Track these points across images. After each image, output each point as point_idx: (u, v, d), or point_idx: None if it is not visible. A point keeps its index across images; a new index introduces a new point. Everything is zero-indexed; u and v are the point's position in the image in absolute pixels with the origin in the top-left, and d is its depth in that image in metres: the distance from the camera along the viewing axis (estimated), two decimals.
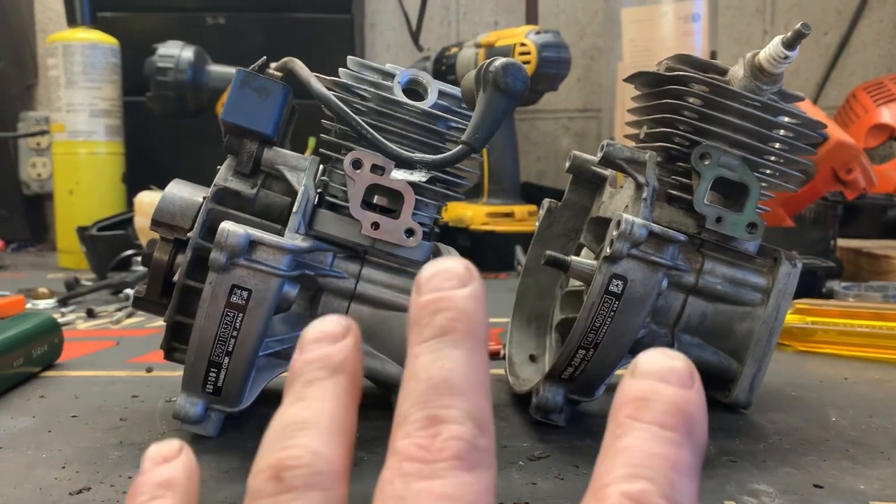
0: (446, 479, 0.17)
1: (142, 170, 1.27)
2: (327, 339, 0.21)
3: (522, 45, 1.13)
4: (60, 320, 0.71)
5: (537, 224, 0.57)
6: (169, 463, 0.22)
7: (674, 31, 1.14)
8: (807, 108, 0.97)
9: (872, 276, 0.94)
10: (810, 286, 0.79)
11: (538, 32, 1.14)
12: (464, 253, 1.30)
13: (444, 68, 1.27)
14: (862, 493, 0.35)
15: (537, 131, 1.67)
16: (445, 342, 0.19)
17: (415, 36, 1.54)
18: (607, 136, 1.32)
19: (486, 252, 1.17)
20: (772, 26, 1.59)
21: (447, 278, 0.20)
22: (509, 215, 1.19)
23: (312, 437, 0.19)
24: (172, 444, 0.22)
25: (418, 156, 0.42)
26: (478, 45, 1.21)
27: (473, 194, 1.27)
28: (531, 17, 1.42)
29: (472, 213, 1.20)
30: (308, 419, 0.19)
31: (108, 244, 1.03)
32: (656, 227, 0.40)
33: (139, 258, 0.57)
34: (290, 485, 0.18)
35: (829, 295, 0.81)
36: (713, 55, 1.23)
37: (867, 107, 1.32)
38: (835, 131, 0.94)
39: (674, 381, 0.18)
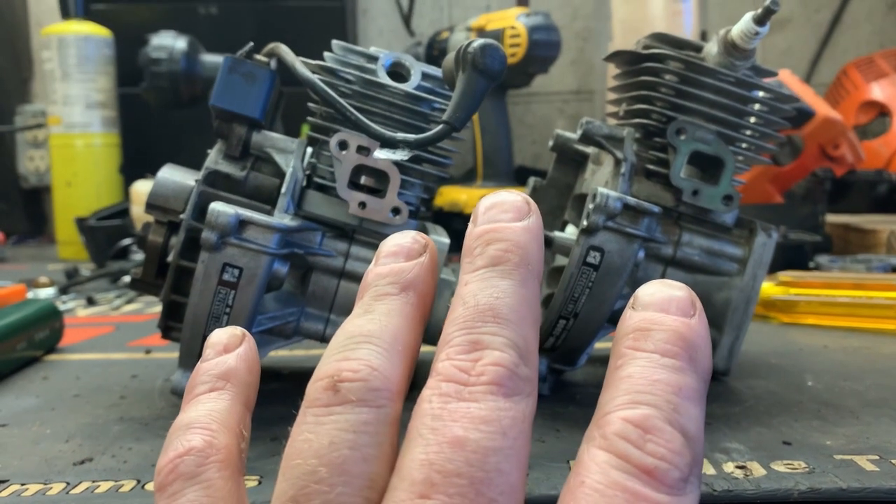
0: (482, 403, 0.17)
1: (138, 160, 1.28)
2: (403, 253, 0.21)
3: (512, 27, 1.14)
4: (61, 308, 0.73)
5: None
6: (230, 353, 0.22)
7: (663, 11, 1.15)
8: (794, 84, 0.98)
9: (861, 249, 0.95)
10: (797, 260, 0.81)
11: (528, 15, 1.15)
12: (459, 236, 1.32)
13: (436, 53, 1.28)
14: (827, 447, 0.36)
15: (532, 115, 1.68)
16: (496, 272, 0.19)
17: (406, 21, 1.55)
18: (600, 118, 1.33)
19: None
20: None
21: (505, 210, 0.20)
22: None
23: (373, 352, 0.19)
24: (235, 332, 0.22)
25: (401, 135, 0.44)
26: (469, 29, 1.22)
27: (468, 178, 1.29)
28: None
29: (466, 197, 1.21)
30: (372, 333, 0.19)
31: (107, 234, 1.04)
32: (631, 200, 0.41)
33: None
34: (345, 397, 0.18)
35: (817, 269, 0.83)
36: (703, 35, 1.23)
37: (857, 83, 1.32)
38: (821, 107, 0.95)
39: (674, 310, 0.18)
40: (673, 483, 0.16)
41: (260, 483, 0.34)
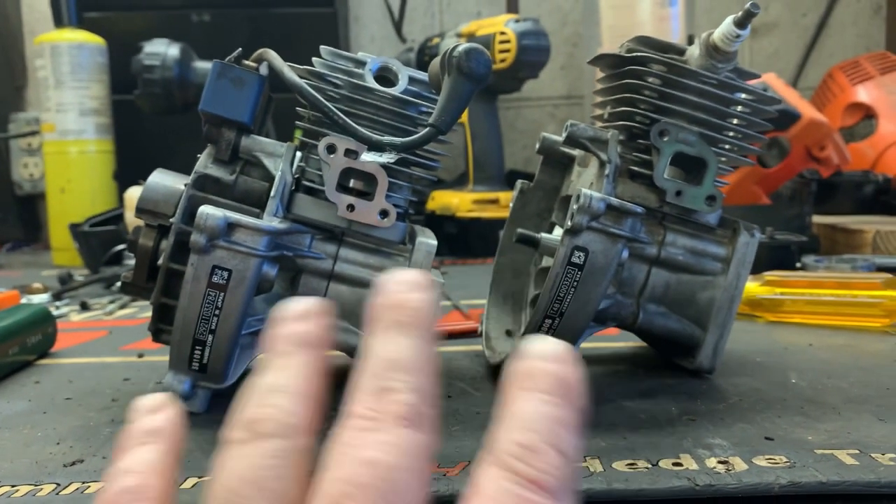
0: (389, 431, 0.20)
1: (132, 166, 1.28)
2: (294, 317, 0.25)
3: (502, 33, 1.15)
4: (55, 313, 0.73)
5: (511, 205, 0.59)
6: (155, 414, 0.25)
7: (651, 17, 1.16)
8: (780, 88, 0.99)
9: (847, 250, 0.96)
10: (784, 260, 0.82)
11: (518, 20, 1.16)
12: (451, 239, 1.31)
13: (427, 59, 1.29)
14: (809, 443, 0.37)
15: (523, 119, 1.69)
16: (397, 332, 0.22)
17: (398, 27, 1.56)
18: (590, 123, 1.34)
19: (473, 238, 1.19)
20: None
21: (404, 284, 0.23)
22: (494, 202, 1.21)
23: (280, 398, 0.22)
24: (157, 398, 0.26)
25: (387, 138, 0.44)
26: (459, 35, 1.23)
27: (460, 182, 1.29)
28: (512, 5, 1.44)
29: (458, 201, 1.22)
30: (277, 384, 0.23)
31: (100, 240, 1.05)
32: (614, 201, 0.42)
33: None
34: (260, 433, 0.21)
35: (804, 269, 0.84)
36: (690, 40, 1.25)
37: (843, 86, 1.34)
38: (807, 110, 0.96)
39: (552, 358, 0.22)
40: (554, 492, 0.19)
41: None
